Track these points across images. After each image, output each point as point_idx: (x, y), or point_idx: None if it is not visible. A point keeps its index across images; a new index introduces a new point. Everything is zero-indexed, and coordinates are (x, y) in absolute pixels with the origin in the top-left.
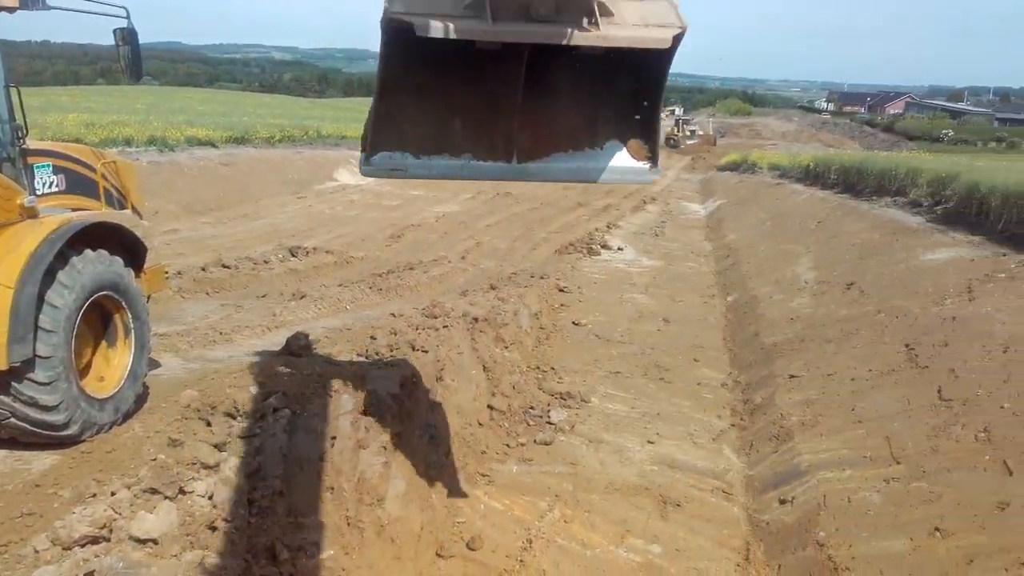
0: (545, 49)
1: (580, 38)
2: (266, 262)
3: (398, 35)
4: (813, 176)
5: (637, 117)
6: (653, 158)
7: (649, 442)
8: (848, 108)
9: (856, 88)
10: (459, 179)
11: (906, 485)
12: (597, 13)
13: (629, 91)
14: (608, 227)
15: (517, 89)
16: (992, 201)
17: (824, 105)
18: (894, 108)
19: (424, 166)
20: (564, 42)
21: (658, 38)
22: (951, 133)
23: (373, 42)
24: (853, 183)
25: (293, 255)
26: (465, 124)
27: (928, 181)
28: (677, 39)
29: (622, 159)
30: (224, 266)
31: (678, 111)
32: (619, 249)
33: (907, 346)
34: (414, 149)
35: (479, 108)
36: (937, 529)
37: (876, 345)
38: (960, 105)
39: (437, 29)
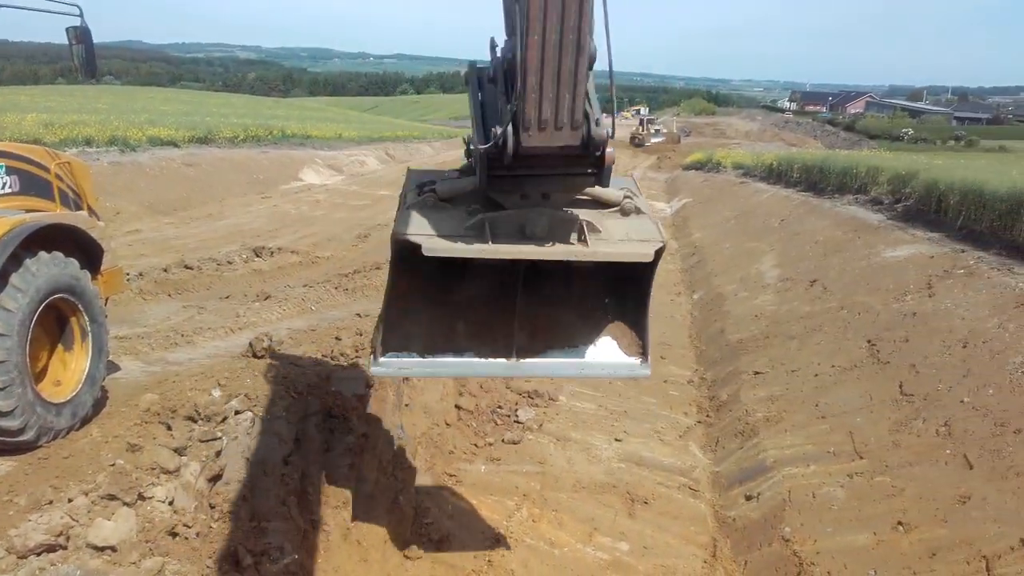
0: (540, 261)
1: (571, 254)
2: (230, 263)
3: (406, 253)
4: (776, 175)
5: (627, 317)
6: (644, 354)
7: (616, 440)
8: (810, 107)
9: (818, 88)
10: (463, 377)
11: (869, 480)
12: (586, 230)
13: (618, 294)
14: None
15: (515, 295)
16: (951, 199)
17: (787, 104)
18: (855, 107)
19: (430, 365)
20: (556, 259)
21: (641, 253)
22: (911, 132)
23: (338, 41)
24: (815, 181)
25: (257, 255)
26: (467, 326)
27: (888, 179)
28: (659, 253)
29: (614, 355)
30: (187, 267)
31: (643, 111)
32: None
33: (869, 342)
34: (420, 349)
35: (480, 312)
36: (900, 523)
37: (839, 341)
38: (919, 104)
39: (442, 250)
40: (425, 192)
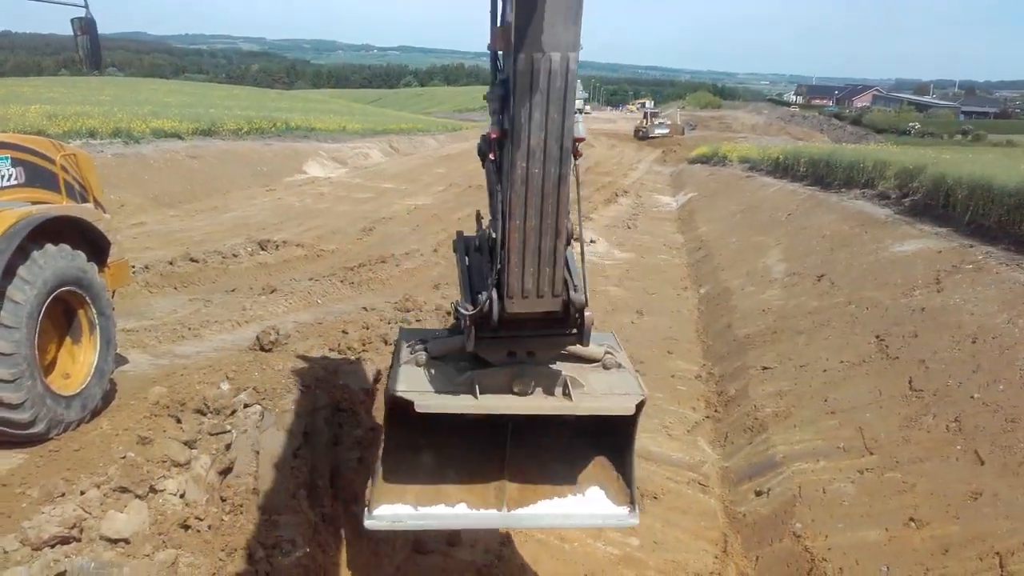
0: (527, 415)
1: (556, 408)
2: (235, 256)
3: (400, 409)
4: (783, 169)
5: (613, 468)
6: (632, 502)
7: None
8: (816, 101)
9: (824, 81)
10: (454, 528)
11: (880, 476)
12: (570, 386)
13: (604, 445)
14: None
15: (504, 448)
16: (959, 193)
17: (793, 98)
18: (861, 101)
19: (423, 516)
20: (542, 413)
21: (623, 406)
22: (918, 126)
23: (342, 33)
24: (822, 175)
25: (263, 249)
26: (459, 478)
27: (896, 173)
28: (639, 406)
29: (603, 506)
30: (192, 260)
31: (648, 104)
32: (592, 241)
33: (878, 337)
34: (413, 501)
35: (471, 464)
36: (912, 519)
37: (847, 336)
38: (926, 98)
39: (434, 406)
40: (416, 351)
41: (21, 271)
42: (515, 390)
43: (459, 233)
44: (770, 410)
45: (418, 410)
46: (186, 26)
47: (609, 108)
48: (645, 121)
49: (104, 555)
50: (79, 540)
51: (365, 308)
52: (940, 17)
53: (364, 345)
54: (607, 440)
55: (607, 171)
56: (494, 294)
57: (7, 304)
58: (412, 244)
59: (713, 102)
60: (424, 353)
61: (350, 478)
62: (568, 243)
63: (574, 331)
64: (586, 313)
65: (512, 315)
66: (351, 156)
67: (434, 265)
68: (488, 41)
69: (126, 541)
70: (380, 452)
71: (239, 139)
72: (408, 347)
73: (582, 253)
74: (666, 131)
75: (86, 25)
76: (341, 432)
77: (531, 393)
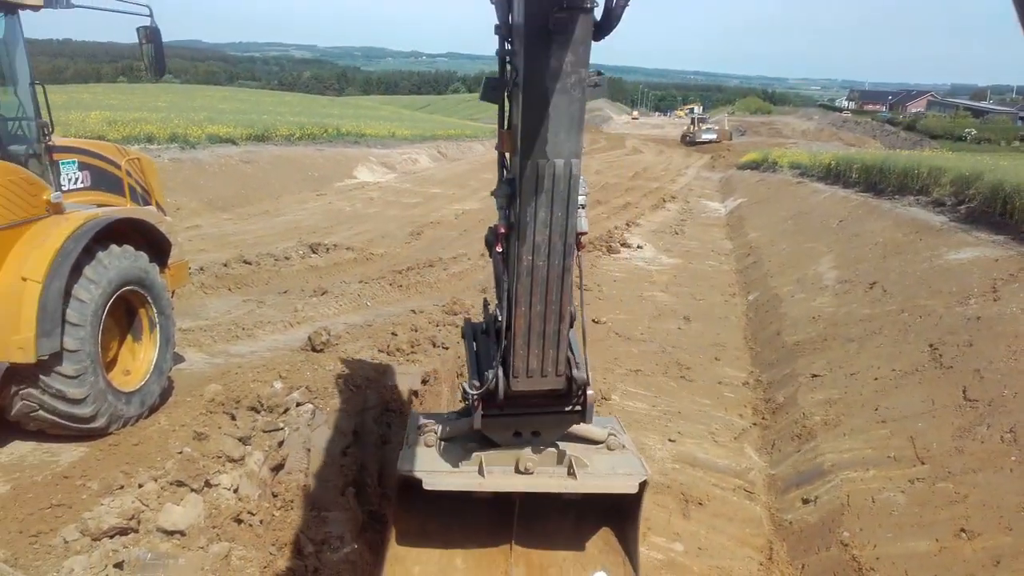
0: (533, 494)
1: (561, 486)
2: (287, 258)
3: (409, 486)
4: (834, 175)
5: (619, 548)
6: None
7: (670, 440)
8: (869, 107)
9: (877, 86)
10: None
11: (931, 486)
12: (574, 465)
13: (610, 523)
14: (627, 225)
15: (511, 527)
16: (1016, 200)
17: (845, 103)
18: (916, 107)
19: None
20: (546, 491)
21: (626, 485)
22: (974, 132)
23: (391, 40)
24: (875, 182)
25: (314, 252)
26: (466, 559)
27: (951, 180)
28: (643, 486)
29: None
30: (245, 262)
31: (697, 110)
32: (639, 247)
33: (931, 346)
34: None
35: (479, 544)
36: (963, 530)
37: (900, 344)
38: (983, 104)
39: (442, 484)
40: (426, 432)
41: (87, 271)
42: (521, 469)
43: (467, 320)
44: (819, 418)
45: (426, 488)
46: (240, 34)
47: (657, 114)
48: (692, 126)
49: (160, 546)
50: (137, 531)
51: (413, 311)
52: (997, 20)
53: (413, 347)
54: (613, 518)
55: (655, 176)
56: (500, 372)
57: (73, 302)
58: (459, 248)
59: (763, 107)
60: (434, 434)
61: None
62: (571, 325)
63: (577, 408)
64: (589, 392)
65: (517, 393)
66: (400, 161)
67: (481, 269)
68: (496, 143)
69: (182, 533)
70: (390, 532)
71: (291, 145)
72: (418, 429)
73: (583, 333)
74: (714, 136)
75: (151, 34)
76: (389, 432)
77: (536, 472)
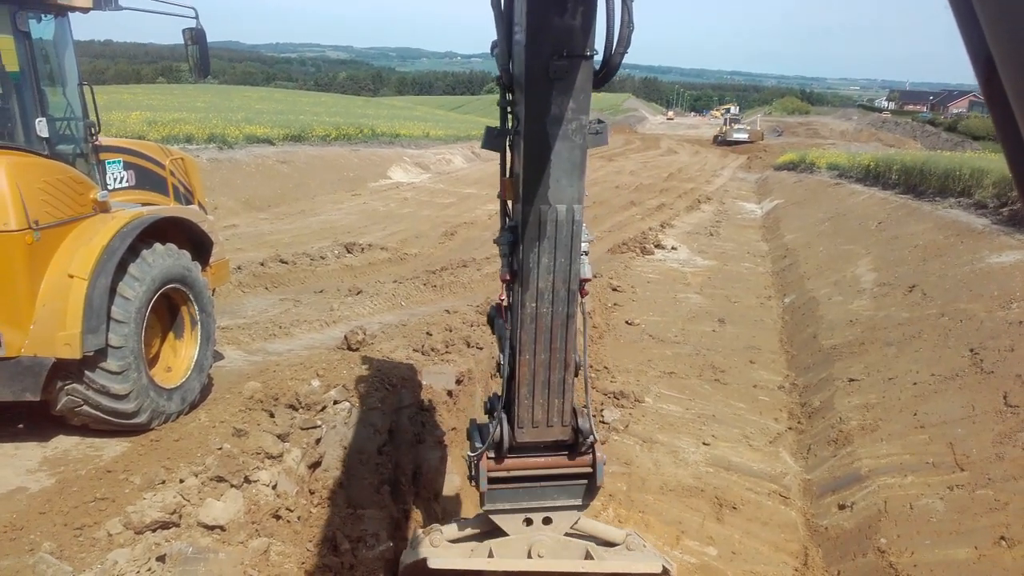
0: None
1: (578, 566)
2: (323, 258)
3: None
4: (873, 176)
5: None
6: None
7: (704, 443)
8: (910, 107)
9: (918, 86)
10: None
11: (971, 492)
12: (591, 553)
13: None
14: (662, 226)
15: None
16: None
17: (885, 104)
18: (957, 107)
19: None
20: (563, 571)
21: (651, 565)
22: None
23: (426, 41)
24: (915, 184)
25: (349, 251)
26: None
27: (994, 182)
28: (666, 572)
29: None
30: (282, 261)
31: (733, 110)
32: (673, 248)
33: (972, 350)
34: None
35: None
36: (1003, 538)
37: (939, 349)
38: None
39: (448, 560)
40: (432, 532)
41: (131, 269)
42: (532, 556)
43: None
44: (856, 423)
45: (431, 566)
46: (278, 35)
47: (693, 114)
48: (725, 126)
49: (201, 540)
50: (178, 525)
51: (448, 311)
52: None
53: (447, 347)
54: None
55: (690, 177)
56: (504, 422)
57: (118, 300)
58: (493, 249)
59: (801, 107)
60: (440, 534)
61: (432, 476)
62: (576, 374)
63: (588, 470)
64: (598, 454)
65: (522, 444)
66: (434, 162)
67: None
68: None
69: (222, 528)
70: None
71: (327, 145)
72: (424, 532)
73: (586, 383)
74: (745, 136)
75: (196, 35)
76: (424, 431)
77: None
